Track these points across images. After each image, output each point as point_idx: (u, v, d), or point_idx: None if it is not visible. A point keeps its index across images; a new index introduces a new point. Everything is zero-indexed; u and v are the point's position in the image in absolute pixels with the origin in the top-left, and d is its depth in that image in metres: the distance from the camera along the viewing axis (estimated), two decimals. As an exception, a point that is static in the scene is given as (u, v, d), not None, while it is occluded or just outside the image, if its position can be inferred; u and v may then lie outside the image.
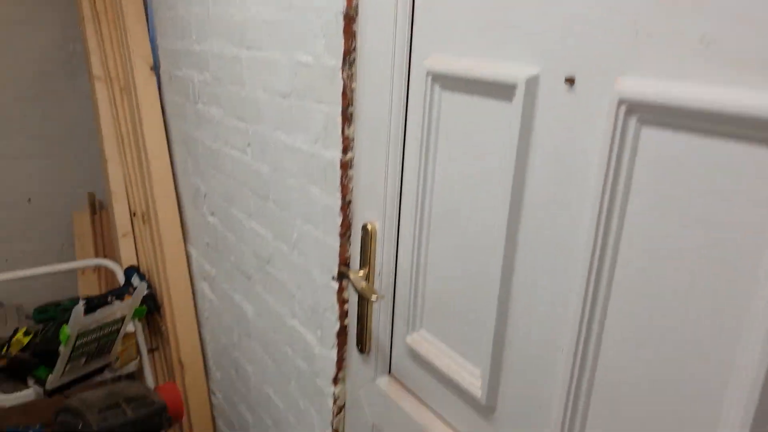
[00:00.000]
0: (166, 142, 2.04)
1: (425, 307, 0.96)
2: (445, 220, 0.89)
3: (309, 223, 1.23)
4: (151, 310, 2.01)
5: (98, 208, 3.02)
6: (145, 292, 2.00)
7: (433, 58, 0.86)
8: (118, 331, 1.74)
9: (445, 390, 0.92)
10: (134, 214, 2.22)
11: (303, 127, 1.20)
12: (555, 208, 0.70)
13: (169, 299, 1.96)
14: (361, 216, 1.08)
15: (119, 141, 2.26)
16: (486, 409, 0.84)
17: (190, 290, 1.99)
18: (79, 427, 1.36)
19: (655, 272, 0.61)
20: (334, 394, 1.20)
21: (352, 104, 1.06)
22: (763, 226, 0.52)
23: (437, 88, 0.85)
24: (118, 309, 1.68)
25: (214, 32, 1.55)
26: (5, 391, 1.73)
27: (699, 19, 0.54)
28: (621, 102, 0.60)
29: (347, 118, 1.07)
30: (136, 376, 2.00)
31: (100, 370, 1.84)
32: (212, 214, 1.77)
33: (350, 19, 1.01)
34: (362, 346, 1.10)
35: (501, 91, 0.75)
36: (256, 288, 1.53)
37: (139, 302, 1.75)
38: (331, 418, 1.22)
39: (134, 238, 2.24)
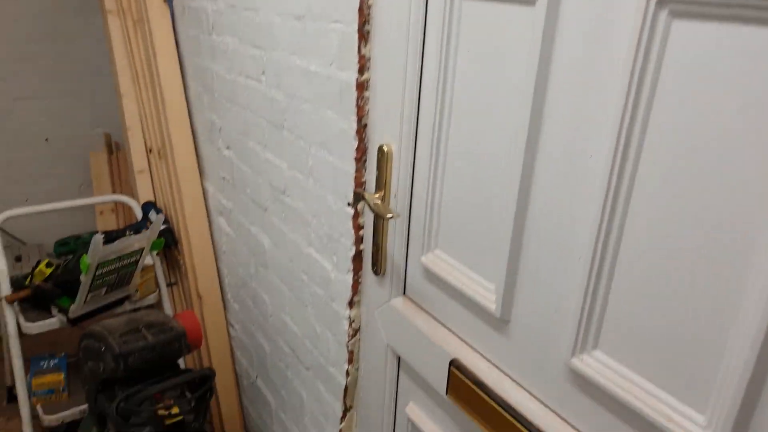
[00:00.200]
0: (180, 76, 2.02)
1: (440, 227, 0.96)
2: (463, 136, 0.87)
3: (324, 150, 1.22)
4: (169, 244, 2.03)
5: (115, 149, 3.03)
6: (162, 225, 2.02)
7: (453, -36, 0.82)
8: (136, 262, 1.77)
9: (460, 306, 0.93)
10: (150, 151, 2.22)
11: (318, 49, 1.17)
12: (577, 118, 0.69)
13: (186, 233, 1.99)
14: (377, 139, 1.06)
15: (134, 76, 2.25)
16: (500, 322, 0.85)
17: (207, 224, 2.01)
18: (102, 350, 1.40)
19: (680, 173, 0.59)
20: (349, 317, 1.22)
21: (369, 22, 1.03)
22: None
23: (457, -5, 0.83)
24: (136, 241, 1.71)
25: (226, -43, 1.51)
26: (31, 320, 1.78)
27: None
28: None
29: (364, 36, 1.04)
30: (156, 308, 2.04)
31: (121, 302, 1.89)
32: (228, 147, 1.76)
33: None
34: (377, 268, 1.11)
35: (524, -8, 0.72)
36: (273, 219, 1.54)
37: (156, 235, 1.78)
38: (346, 340, 1.24)
39: (151, 174, 2.25)
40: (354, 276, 1.19)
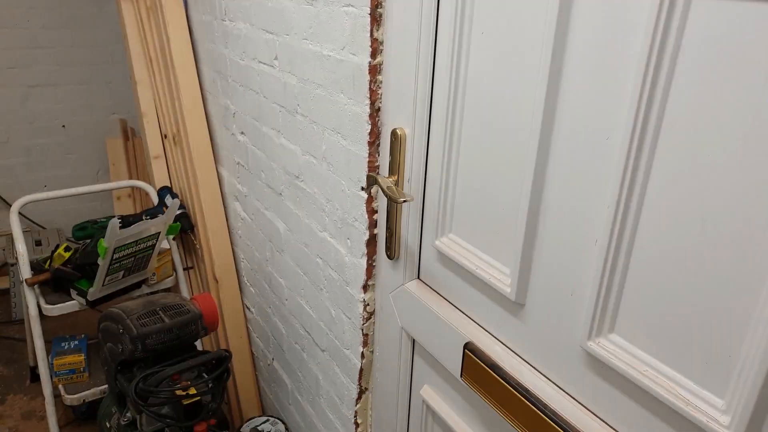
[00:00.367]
0: (194, 62, 2.02)
1: (454, 210, 0.96)
2: (478, 118, 0.86)
3: (337, 134, 1.22)
4: (185, 228, 2.05)
5: (131, 135, 3.06)
6: (178, 210, 2.04)
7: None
8: (153, 246, 1.79)
9: (474, 290, 0.93)
10: (165, 136, 2.24)
11: (330, 33, 1.17)
12: (593, 98, 0.68)
13: (202, 218, 2.00)
14: (390, 122, 1.06)
15: (148, 62, 2.25)
16: (515, 305, 0.85)
17: (223, 209, 2.03)
18: (120, 332, 1.43)
19: (699, 153, 0.58)
20: (364, 300, 1.23)
21: (381, 5, 1.02)
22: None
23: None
24: (152, 225, 1.73)
25: (238, -60, 1.50)
26: (51, 303, 1.82)
27: None
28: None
29: (376, 19, 1.03)
30: (173, 291, 2.07)
31: (138, 285, 1.91)
32: (242, 133, 1.77)
33: None
34: (391, 252, 1.11)
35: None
36: (287, 203, 1.54)
37: (172, 219, 1.79)
38: (361, 323, 1.25)
39: (166, 160, 2.27)
40: (368, 260, 1.19)
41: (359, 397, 1.35)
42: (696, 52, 0.57)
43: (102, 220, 2.12)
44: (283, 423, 1.82)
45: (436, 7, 0.89)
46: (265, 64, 1.50)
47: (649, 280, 0.66)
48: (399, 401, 1.21)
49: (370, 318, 1.25)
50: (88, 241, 1.88)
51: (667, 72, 0.59)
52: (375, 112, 1.09)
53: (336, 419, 1.49)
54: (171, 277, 2.03)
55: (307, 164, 1.38)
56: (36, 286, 1.83)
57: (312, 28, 1.23)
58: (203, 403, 1.47)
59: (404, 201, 0.99)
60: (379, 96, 1.08)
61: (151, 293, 1.94)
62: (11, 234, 1.95)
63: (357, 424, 1.38)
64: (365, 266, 1.20)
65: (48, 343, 1.88)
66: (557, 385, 0.81)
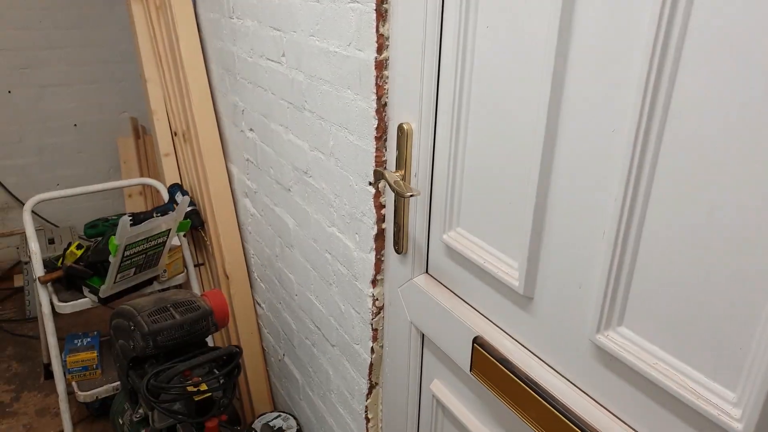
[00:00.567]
0: (203, 60, 2.03)
1: (462, 204, 0.96)
2: (484, 112, 0.86)
3: (345, 130, 1.22)
4: (195, 225, 2.06)
5: (141, 133, 3.08)
6: (189, 207, 2.05)
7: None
8: (164, 243, 1.81)
9: (482, 284, 0.93)
10: (175, 134, 2.25)
11: (336, 29, 1.17)
12: (599, 90, 0.67)
13: (212, 215, 2.01)
14: (396, 117, 1.06)
15: (157, 60, 2.26)
16: (523, 299, 0.84)
17: (233, 205, 2.04)
18: (131, 329, 1.44)
19: (706, 143, 0.57)
20: (373, 295, 1.23)
21: (386, 0, 1.02)
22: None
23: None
24: (163, 222, 1.74)
25: (245, -63, 1.50)
26: (64, 300, 1.84)
27: None
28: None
29: (381, 14, 1.03)
30: (184, 288, 2.08)
31: (150, 282, 1.93)
32: (251, 129, 1.77)
33: None
34: (399, 247, 1.11)
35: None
36: (296, 199, 1.55)
37: (182, 215, 1.80)
38: (370, 318, 1.25)
39: (176, 157, 2.28)
40: (376, 255, 1.19)
41: (369, 392, 1.35)
42: (702, 39, 0.56)
43: (113, 217, 2.14)
44: (295, 418, 1.83)
45: (441, 2, 0.89)
46: (272, 60, 1.51)
47: (657, 272, 0.65)
48: (409, 396, 1.21)
49: (379, 313, 1.25)
50: (100, 238, 1.89)
51: (673, 61, 0.59)
52: (381, 108, 1.09)
53: (347, 414, 1.50)
54: (182, 274, 2.04)
55: (315, 160, 1.38)
56: (49, 284, 1.85)
57: (318, 25, 1.23)
58: (214, 399, 1.48)
59: (411, 195, 0.99)
60: (386, 91, 1.08)
61: (162, 290, 1.95)
62: (24, 232, 1.97)
63: (368, 419, 1.39)
64: (374, 261, 1.20)
65: (61, 340, 1.90)
66: (567, 379, 0.80)
